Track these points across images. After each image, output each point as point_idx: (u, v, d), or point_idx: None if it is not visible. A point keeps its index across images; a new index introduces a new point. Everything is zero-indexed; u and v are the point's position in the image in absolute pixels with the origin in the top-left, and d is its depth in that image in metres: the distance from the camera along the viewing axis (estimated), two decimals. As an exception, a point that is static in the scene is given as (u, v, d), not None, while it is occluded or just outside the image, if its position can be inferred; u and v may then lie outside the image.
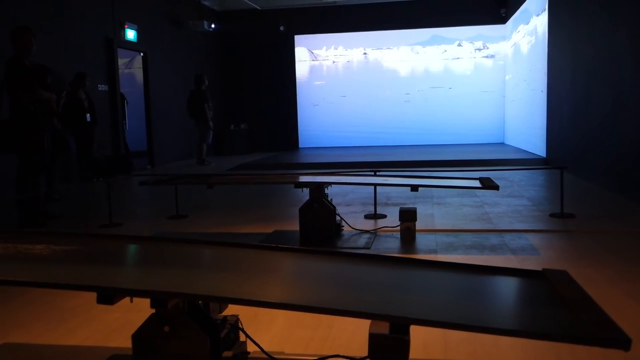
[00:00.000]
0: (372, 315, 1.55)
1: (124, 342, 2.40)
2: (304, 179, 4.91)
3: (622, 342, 1.31)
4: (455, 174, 5.26)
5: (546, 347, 2.34)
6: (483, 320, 1.54)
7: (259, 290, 1.78)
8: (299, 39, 15.06)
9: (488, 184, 4.31)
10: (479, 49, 14.51)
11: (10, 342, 2.59)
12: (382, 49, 14.93)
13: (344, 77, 15.16)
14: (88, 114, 7.98)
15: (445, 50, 14.65)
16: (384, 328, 1.73)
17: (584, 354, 2.28)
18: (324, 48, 15.15)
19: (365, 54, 15.02)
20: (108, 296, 1.67)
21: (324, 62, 15.21)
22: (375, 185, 5.24)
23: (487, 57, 14.52)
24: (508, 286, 1.86)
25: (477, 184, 4.43)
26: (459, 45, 14.57)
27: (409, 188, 4.40)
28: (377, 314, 1.55)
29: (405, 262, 2.23)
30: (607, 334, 1.35)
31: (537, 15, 10.31)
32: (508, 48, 13.85)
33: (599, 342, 1.34)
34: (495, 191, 6.59)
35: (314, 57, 15.18)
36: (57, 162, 7.45)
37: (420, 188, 4.38)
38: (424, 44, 14.72)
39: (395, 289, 1.86)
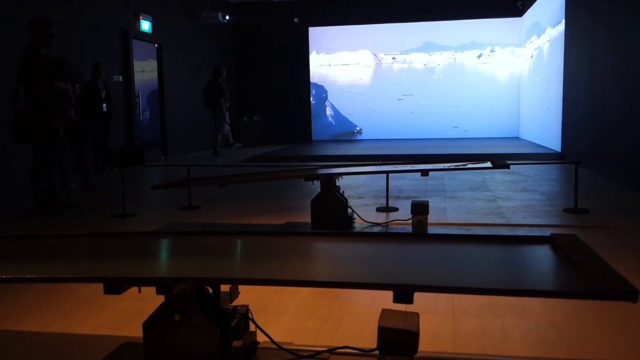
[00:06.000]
0: (375, 285, 1.55)
1: (135, 330, 2.42)
2: (318, 171, 4.90)
3: (629, 293, 1.35)
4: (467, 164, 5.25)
5: (555, 341, 2.33)
6: (490, 284, 1.54)
7: (265, 272, 1.79)
8: (312, 31, 15.02)
9: (499, 164, 4.26)
10: (495, 45, 14.38)
11: (23, 330, 2.62)
12: (398, 41, 14.84)
13: (358, 71, 15.10)
14: (104, 104, 8.07)
15: (461, 45, 14.55)
16: (393, 321, 1.73)
17: (592, 348, 2.27)
18: (339, 41, 15.09)
19: (389, 58, 14.96)
20: (114, 286, 1.68)
21: (340, 55, 15.14)
22: (386, 172, 5.20)
23: (503, 52, 14.38)
24: (516, 252, 1.86)
25: (488, 164, 4.40)
26: (475, 40, 14.45)
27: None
28: (380, 283, 1.55)
29: (409, 237, 2.24)
30: (614, 287, 1.38)
31: (553, 27, 10.20)
32: (525, 43, 13.71)
33: (606, 295, 1.37)
34: (509, 185, 6.60)
35: (329, 52, 15.15)
36: (85, 151, 7.65)
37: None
38: (437, 38, 14.62)
39: (401, 261, 1.86)
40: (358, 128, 15.05)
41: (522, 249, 1.88)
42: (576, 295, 1.45)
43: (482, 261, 1.82)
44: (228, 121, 11.54)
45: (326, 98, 15.26)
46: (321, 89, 15.25)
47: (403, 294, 1.51)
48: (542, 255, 1.81)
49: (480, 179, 7.14)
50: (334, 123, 15.24)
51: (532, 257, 1.83)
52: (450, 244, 1.97)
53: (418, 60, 14.81)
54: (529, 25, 12.96)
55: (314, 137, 15.21)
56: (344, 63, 15.13)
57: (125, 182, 5.43)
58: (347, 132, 15.13)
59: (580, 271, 1.53)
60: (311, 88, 15.23)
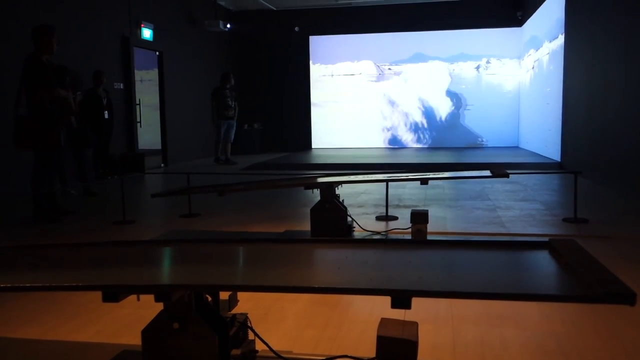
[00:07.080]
0: (373, 290, 1.55)
1: (134, 338, 2.42)
2: (317, 179, 4.90)
3: (627, 297, 1.35)
4: (466, 172, 5.27)
5: (555, 350, 2.33)
6: (489, 289, 1.54)
7: (264, 279, 1.79)
8: (313, 40, 15.06)
9: (498, 173, 4.27)
10: (495, 54, 14.41)
11: (22, 337, 2.62)
12: (397, 50, 14.88)
13: (357, 79, 15.13)
14: (106, 112, 8.09)
15: (460, 55, 14.57)
16: (392, 330, 1.73)
17: (591, 357, 2.27)
18: (338, 50, 15.12)
19: (389, 68, 15.00)
20: (113, 294, 1.68)
21: (339, 64, 15.17)
22: (386, 181, 5.20)
23: (503, 62, 14.40)
24: (515, 257, 1.86)
25: (487, 173, 4.40)
26: (475, 50, 14.47)
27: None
28: (378, 289, 1.55)
29: (407, 243, 2.25)
30: (612, 291, 1.37)
31: (552, 38, 10.24)
32: (524, 53, 13.75)
33: (605, 299, 1.37)
34: (509, 195, 6.60)
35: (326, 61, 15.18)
36: (86, 158, 7.66)
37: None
38: (437, 47, 14.64)
39: (399, 267, 1.87)
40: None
41: (521, 254, 1.89)
42: (575, 299, 1.45)
43: (480, 267, 1.82)
44: (221, 129, 11.36)
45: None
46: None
47: (401, 300, 1.51)
48: (540, 260, 1.81)
49: (480, 188, 7.15)
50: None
51: (530, 262, 1.83)
52: (449, 250, 1.98)
53: (419, 69, 14.82)
54: (529, 36, 13.00)
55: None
56: (347, 73, 15.15)
57: (125, 189, 5.44)
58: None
59: (578, 275, 1.54)
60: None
